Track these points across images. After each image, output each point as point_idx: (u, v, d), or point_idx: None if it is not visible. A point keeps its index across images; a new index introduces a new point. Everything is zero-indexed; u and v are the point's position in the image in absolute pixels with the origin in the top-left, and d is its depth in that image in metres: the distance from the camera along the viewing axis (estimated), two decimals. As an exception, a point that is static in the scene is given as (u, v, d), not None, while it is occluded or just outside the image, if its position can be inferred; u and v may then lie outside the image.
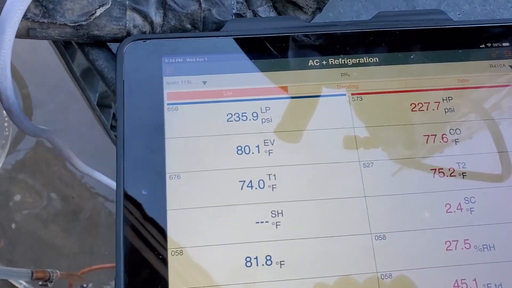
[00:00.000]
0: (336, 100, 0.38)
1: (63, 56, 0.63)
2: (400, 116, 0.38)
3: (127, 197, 0.34)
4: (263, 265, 0.34)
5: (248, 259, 0.34)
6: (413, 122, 0.38)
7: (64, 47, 0.62)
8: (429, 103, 0.38)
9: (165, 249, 0.33)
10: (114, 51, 0.40)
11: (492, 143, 0.37)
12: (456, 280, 0.34)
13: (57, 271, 0.92)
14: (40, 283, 0.90)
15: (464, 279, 0.34)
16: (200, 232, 0.34)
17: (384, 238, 0.34)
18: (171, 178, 0.35)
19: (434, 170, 0.36)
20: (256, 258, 0.34)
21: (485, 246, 0.35)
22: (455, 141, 0.37)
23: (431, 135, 0.37)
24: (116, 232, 0.34)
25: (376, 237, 0.34)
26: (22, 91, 1.65)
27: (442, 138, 0.37)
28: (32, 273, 0.87)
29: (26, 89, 1.68)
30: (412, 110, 0.38)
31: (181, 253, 0.33)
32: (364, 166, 0.36)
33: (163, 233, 0.34)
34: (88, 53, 0.40)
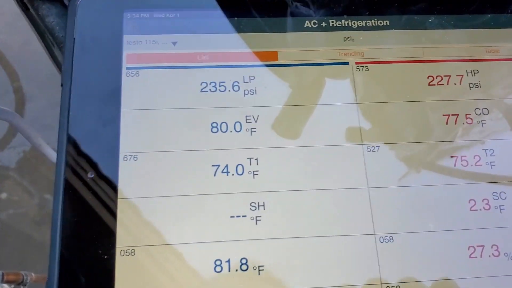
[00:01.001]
0: (337, 70, 0.31)
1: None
2: (414, 91, 0.31)
3: (69, 181, 0.27)
4: (236, 270, 0.26)
5: (217, 263, 0.26)
6: (431, 98, 0.31)
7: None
8: (450, 76, 0.32)
9: (113, 247, 0.26)
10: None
11: (528, 127, 0.30)
12: (482, 297, 0.27)
13: (32, 274, 0.85)
14: (12, 286, 0.82)
15: (493, 296, 0.27)
16: (158, 228, 0.27)
17: (391, 240, 0.27)
18: (125, 159, 0.28)
19: (455, 158, 0.30)
20: (228, 261, 0.26)
21: (518, 254, 0.27)
22: (482, 123, 0.30)
23: (452, 115, 0.31)
24: (52, 225, 0.27)
25: (381, 239, 0.27)
26: (13, 84, 1.59)
27: (466, 119, 0.30)
28: (3, 275, 0.79)
29: (18, 82, 1.61)
30: (429, 84, 0.31)
31: (132, 253, 0.26)
32: (368, 150, 0.29)
33: (111, 228, 0.27)
34: (38, 8, 0.33)
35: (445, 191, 0.29)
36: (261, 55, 0.31)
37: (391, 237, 0.28)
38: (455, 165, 0.30)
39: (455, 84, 0.31)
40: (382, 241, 0.28)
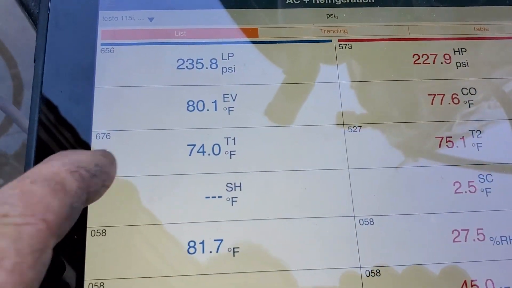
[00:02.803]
0: (319, 47, 0.30)
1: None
2: (398, 69, 0.30)
3: (40, 160, 0.26)
4: (210, 252, 0.25)
5: (191, 244, 0.26)
6: (416, 77, 0.30)
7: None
8: (436, 54, 0.31)
9: (84, 228, 0.25)
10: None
11: (517, 107, 0.29)
12: (465, 282, 0.26)
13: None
14: None
15: (476, 280, 0.26)
16: (130, 208, 0.26)
17: (371, 222, 0.26)
18: (98, 137, 0.27)
19: (440, 139, 0.28)
20: (202, 242, 0.26)
21: (503, 238, 0.27)
22: (469, 103, 0.29)
23: (438, 94, 0.30)
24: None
25: (361, 221, 0.26)
26: (11, 71, 1.58)
27: (452, 99, 0.29)
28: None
29: (15, 69, 1.60)
30: (414, 63, 0.30)
31: (103, 233, 0.25)
32: (350, 130, 0.28)
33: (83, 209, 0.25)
34: (13, -16, 0.31)
35: (429, 173, 0.28)
36: (240, 32, 0.30)
37: (371, 220, 0.27)
38: (439, 146, 0.29)
39: (441, 63, 0.30)
40: (362, 223, 0.27)
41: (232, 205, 0.27)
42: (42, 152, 0.27)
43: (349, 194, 0.27)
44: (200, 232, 0.26)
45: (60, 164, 0.16)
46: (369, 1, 0.31)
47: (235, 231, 0.26)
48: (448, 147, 0.29)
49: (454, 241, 0.27)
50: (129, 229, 0.26)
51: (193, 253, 0.26)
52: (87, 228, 0.26)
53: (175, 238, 0.26)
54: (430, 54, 0.30)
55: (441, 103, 0.29)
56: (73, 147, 0.27)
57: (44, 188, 0.15)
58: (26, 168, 0.27)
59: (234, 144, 0.28)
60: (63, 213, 0.15)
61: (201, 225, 0.26)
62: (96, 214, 0.26)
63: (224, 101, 0.29)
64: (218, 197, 0.27)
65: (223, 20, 0.30)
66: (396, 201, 0.27)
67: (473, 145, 0.29)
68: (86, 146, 0.27)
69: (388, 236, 0.27)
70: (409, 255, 0.26)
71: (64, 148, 0.27)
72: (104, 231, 0.26)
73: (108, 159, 0.18)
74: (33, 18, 0.32)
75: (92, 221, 0.26)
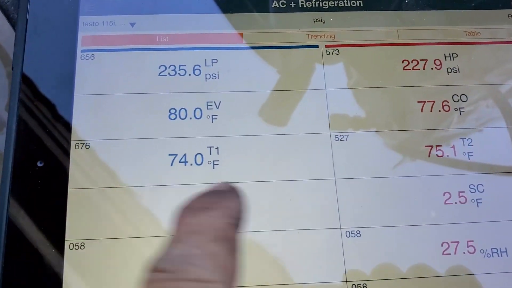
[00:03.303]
0: (306, 53, 0.29)
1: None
2: (387, 76, 0.29)
3: (16, 169, 0.25)
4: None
5: None
6: (405, 84, 0.29)
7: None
8: (426, 60, 0.30)
9: (62, 240, 0.25)
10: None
11: (509, 115, 0.28)
12: (454, 296, 0.25)
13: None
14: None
15: (465, 295, 0.25)
16: (109, 221, 0.25)
17: (358, 235, 0.25)
18: (77, 147, 0.26)
19: (429, 148, 0.28)
20: None
21: (494, 251, 0.26)
22: (460, 111, 0.28)
23: (428, 101, 0.29)
24: (-4, 215, 0.25)
25: (348, 233, 0.26)
26: (6, 68, 1.57)
27: (443, 106, 0.28)
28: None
29: (10, 67, 1.59)
30: (404, 69, 0.29)
31: (82, 247, 0.25)
32: (336, 138, 0.27)
33: (60, 220, 0.25)
34: (-7, -12, 0.31)
35: (418, 183, 0.27)
36: (225, 37, 0.29)
37: (358, 232, 0.26)
38: (429, 155, 0.28)
39: (432, 68, 0.29)
40: (348, 235, 0.26)
41: (215, 217, 0.26)
42: (19, 162, 0.26)
43: (335, 205, 0.26)
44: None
45: (222, 216, 0.16)
46: (358, 5, 0.30)
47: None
48: (438, 156, 0.28)
49: (443, 254, 0.26)
50: (108, 243, 0.25)
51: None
52: (65, 241, 0.25)
53: (154, 252, 0.25)
54: (420, 60, 0.29)
55: (431, 111, 0.29)
56: (51, 157, 0.26)
57: (223, 249, 0.15)
58: (3, 181, 0.26)
59: (218, 153, 0.27)
60: (236, 271, 0.15)
61: (182, 238, 0.25)
62: (75, 226, 0.25)
63: (207, 108, 0.28)
64: (200, 208, 0.26)
65: (207, 25, 0.29)
66: (384, 212, 0.27)
67: (464, 153, 0.28)
68: (64, 154, 0.26)
69: (375, 249, 0.26)
70: (397, 268, 0.26)
71: (42, 158, 0.26)
72: (83, 244, 0.25)
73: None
74: (13, 23, 0.31)
75: (70, 234, 0.25)
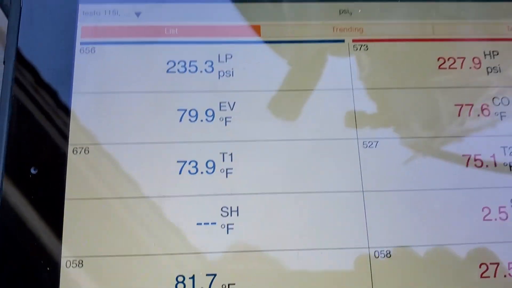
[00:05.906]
0: (331, 48, 0.28)
1: None
2: (421, 75, 0.27)
3: (9, 176, 0.23)
4: (202, 289, 0.22)
5: (180, 279, 0.23)
6: (440, 84, 0.27)
7: None
8: (464, 58, 0.28)
9: (58, 257, 0.23)
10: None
11: (556, 121, 0.26)
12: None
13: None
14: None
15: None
16: (111, 236, 0.23)
17: (388, 255, 0.23)
18: (75, 152, 0.24)
19: (467, 157, 0.26)
20: (193, 278, 0.23)
21: (540, 275, 0.23)
22: (501, 115, 0.27)
23: (466, 105, 0.27)
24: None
25: (377, 253, 0.24)
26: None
27: (482, 110, 0.27)
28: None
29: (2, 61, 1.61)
30: (439, 68, 0.27)
31: (80, 265, 0.22)
32: (365, 145, 0.25)
33: (56, 234, 0.23)
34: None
35: (454, 197, 0.25)
36: (240, 30, 0.27)
37: (388, 252, 0.24)
38: (467, 165, 0.26)
39: (470, 68, 0.28)
40: (377, 256, 0.24)
41: (228, 233, 0.24)
42: (12, 169, 0.24)
43: (363, 221, 0.24)
44: (190, 265, 0.23)
45: None
46: (389, -5, 0.28)
47: (231, 264, 0.23)
48: (477, 166, 0.26)
49: (481, 277, 0.24)
50: (110, 260, 0.23)
51: (182, 289, 0.23)
52: (62, 258, 0.23)
53: (161, 272, 0.23)
54: (457, 58, 0.28)
55: (469, 115, 0.26)
56: (46, 163, 0.24)
57: None
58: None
59: (231, 160, 0.25)
60: None
61: (191, 256, 0.24)
62: (73, 241, 0.23)
63: (220, 110, 0.26)
64: (212, 223, 0.24)
65: (221, 16, 0.28)
66: (417, 229, 0.24)
67: (505, 164, 0.26)
68: (60, 160, 0.24)
69: (406, 271, 0.24)
70: (429, 292, 0.23)
71: (36, 164, 0.24)
72: (81, 262, 0.23)
73: None
74: (6, 12, 0.28)
75: (66, 251, 0.23)
